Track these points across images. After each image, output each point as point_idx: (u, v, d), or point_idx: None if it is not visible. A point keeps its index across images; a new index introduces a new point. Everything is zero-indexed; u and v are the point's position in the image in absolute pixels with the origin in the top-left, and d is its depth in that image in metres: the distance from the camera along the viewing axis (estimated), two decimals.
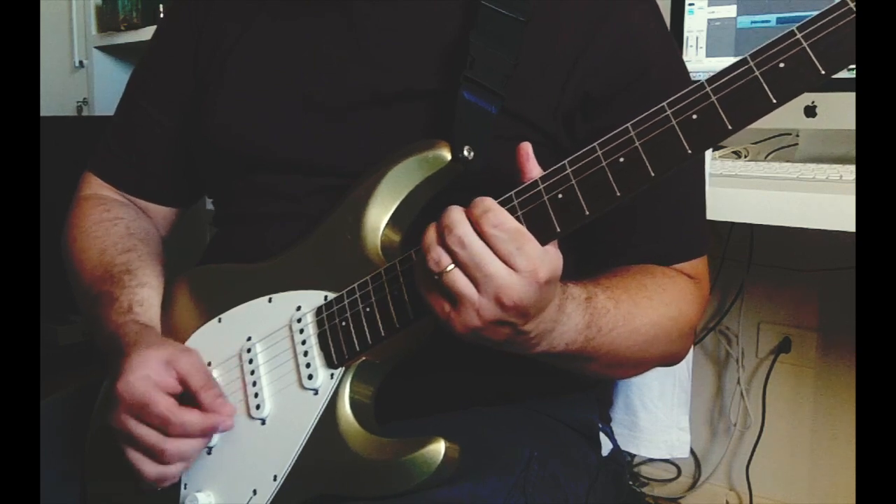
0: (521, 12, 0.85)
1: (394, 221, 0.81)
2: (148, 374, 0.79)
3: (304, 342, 0.80)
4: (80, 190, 1.04)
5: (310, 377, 0.79)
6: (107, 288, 0.91)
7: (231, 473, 0.82)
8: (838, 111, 1.34)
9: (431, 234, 0.69)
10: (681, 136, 0.66)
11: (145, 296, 0.91)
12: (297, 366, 0.81)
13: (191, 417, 0.79)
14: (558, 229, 0.69)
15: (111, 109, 1.06)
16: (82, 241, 0.98)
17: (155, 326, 0.89)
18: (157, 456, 0.79)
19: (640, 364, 0.87)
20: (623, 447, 1.06)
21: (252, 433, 0.82)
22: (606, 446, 1.02)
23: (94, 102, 2.74)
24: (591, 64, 0.85)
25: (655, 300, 0.82)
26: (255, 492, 0.80)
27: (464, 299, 0.67)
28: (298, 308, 0.82)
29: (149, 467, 0.80)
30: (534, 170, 0.71)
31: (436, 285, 0.69)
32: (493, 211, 0.68)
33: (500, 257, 0.67)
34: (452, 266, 0.67)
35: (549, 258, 0.68)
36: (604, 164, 0.69)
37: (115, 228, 0.98)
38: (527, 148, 0.72)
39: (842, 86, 1.15)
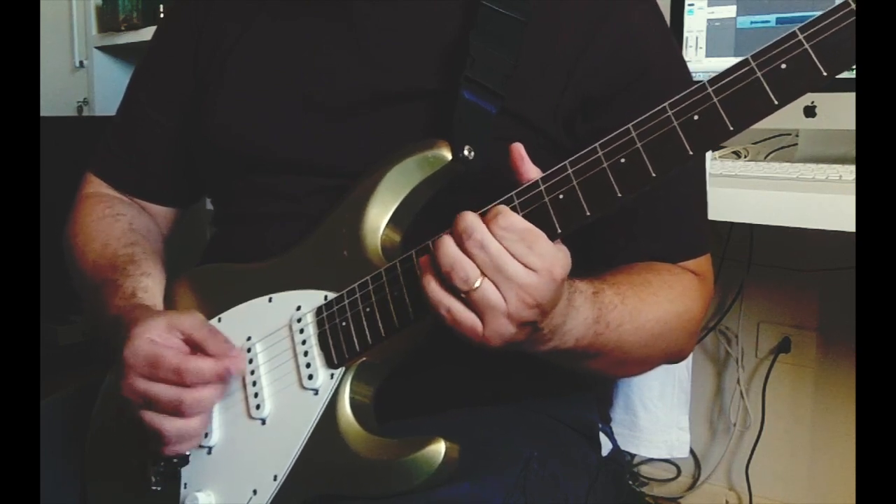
0: (521, 12, 0.85)
1: (394, 221, 0.81)
2: (152, 338, 0.79)
3: (304, 342, 0.80)
4: (82, 189, 1.04)
5: (310, 377, 0.79)
6: (110, 276, 0.91)
7: (231, 473, 0.82)
8: (838, 111, 1.34)
9: (452, 250, 0.68)
10: (682, 136, 0.67)
11: (149, 284, 0.91)
12: (297, 366, 0.80)
13: (204, 363, 0.79)
14: (559, 230, 0.70)
15: (111, 109, 1.06)
16: (85, 236, 0.98)
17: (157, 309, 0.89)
18: (176, 409, 0.79)
19: (645, 361, 0.87)
20: (623, 447, 1.06)
21: (252, 433, 0.82)
22: (606, 446, 1.02)
23: (95, 102, 2.73)
24: (592, 64, 0.85)
25: (661, 296, 0.82)
26: (255, 492, 0.80)
27: (495, 310, 0.67)
28: (298, 308, 0.82)
29: (169, 425, 0.79)
30: (530, 170, 0.71)
31: (460, 312, 0.68)
32: (502, 213, 0.68)
33: (514, 258, 0.67)
34: (481, 280, 0.67)
35: (561, 254, 0.68)
36: (605, 164, 0.69)
37: (118, 224, 0.98)
38: (519, 149, 0.72)
39: (842, 86, 1.15)
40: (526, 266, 0.67)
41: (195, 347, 0.81)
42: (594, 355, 0.79)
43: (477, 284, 0.67)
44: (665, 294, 0.83)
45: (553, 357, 0.76)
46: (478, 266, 0.67)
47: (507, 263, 0.66)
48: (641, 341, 0.80)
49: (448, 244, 0.68)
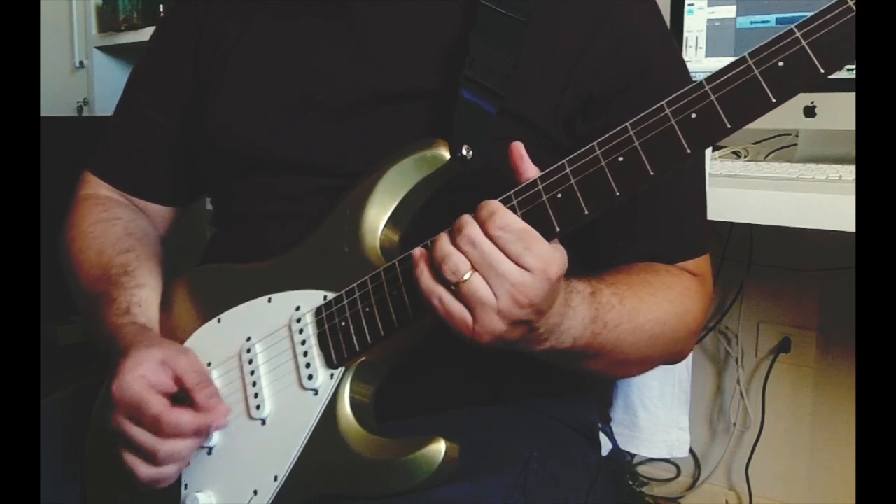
0: (520, 12, 0.85)
1: (393, 221, 0.81)
2: (143, 374, 0.79)
3: (303, 342, 0.80)
4: (79, 190, 1.04)
5: (310, 377, 0.79)
6: (105, 289, 0.91)
7: (231, 474, 0.82)
8: (838, 111, 1.34)
9: (445, 244, 0.69)
10: (680, 135, 0.67)
11: (143, 297, 0.91)
12: (297, 366, 0.80)
13: (183, 418, 0.79)
14: (558, 229, 0.70)
15: (111, 109, 1.06)
16: (81, 242, 0.98)
17: (153, 327, 0.89)
18: (151, 457, 0.79)
19: (644, 361, 0.87)
20: (623, 447, 1.06)
21: (252, 433, 0.82)
22: (606, 446, 1.02)
23: (94, 102, 2.73)
24: (592, 64, 0.85)
25: (660, 297, 0.82)
26: (255, 492, 0.80)
27: (485, 305, 0.67)
28: (298, 308, 0.82)
29: (143, 469, 0.80)
30: (529, 169, 0.72)
31: (451, 303, 0.68)
32: (498, 213, 0.68)
33: (509, 258, 0.67)
34: (470, 273, 0.67)
35: (558, 255, 0.68)
36: (603, 163, 0.69)
37: (113, 229, 0.98)
38: (519, 148, 0.72)
39: (841, 86, 1.16)
40: (521, 266, 0.67)
41: (183, 391, 0.81)
42: (592, 355, 0.79)
43: (466, 277, 0.67)
44: (664, 294, 0.83)
45: (551, 357, 0.76)
46: (472, 262, 0.67)
47: (499, 262, 0.67)
48: (640, 342, 0.80)
49: (444, 239, 0.69)
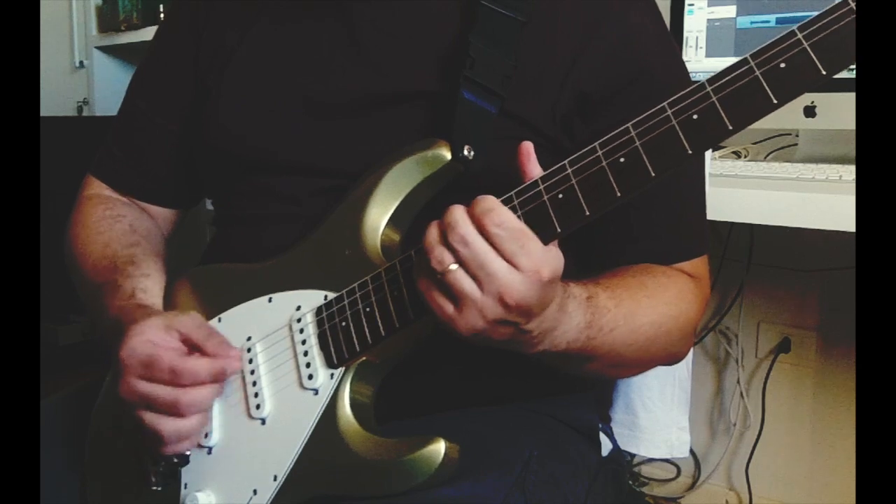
0: (519, 12, 0.85)
1: (394, 221, 0.81)
2: (149, 338, 0.79)
3: (304, 342, 0.80)
4: (83, 191, 1.05)
5: (310, 377, 0.79)
6: (110, 278, 0.92)
7: (231, 473, 0.82)
8: (838, 111, 1.34)
9: (433, 232, 0.69)
10: (681, 136, 0.67)
11: (148, 284, 0.91)
12: (297, 366, 0.81)
13: (199, 363, 0.79)
14: (558, 229, 0.70)
15: (111, 109, 1.06)
16: (86, 237, 0.98)
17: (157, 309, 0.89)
18: (173, 409, 0.79)
19: (640, 363, 0.87)
20: (623, 447, 1.06)
21: (252, 433, 0.82)
22: (606, 446, 1.02)
23: (94, 102, 2.73)
24: (590, 65, 0.85)
25: (656, 299, 0.82)
26: (255, 492, 0.80)
27: (466, 299, 0.67)
28: (298, 308, 0.82)
29: (166, 425, 0.79)
30: (534, 169, 0.72)
31: (438, 285, 0.68)
32: (495, 210, 0.68)
33: (502, 256, 0.67)
34: (455, 265, 0.67)
35: (551, 256, 0.68)
36: (604, 163, 0.69)
37: (118, 225, 0.98)
38: (528, 147, 0.72)
39: (842, 86, 1.15)
40: (513, 265, 0.67)
41: (193, 348, 0.81)
42: (587, 358, 0.79)
43: (451, 268, 0.67)
44: (660, 296, 0.83)
45: (545, 359, 0.76)
46: (462, 261, 0.67)
47: (490, 261, 0.67)
48: (636, 344, 0.80)
49: (432, 231, 0.69)
